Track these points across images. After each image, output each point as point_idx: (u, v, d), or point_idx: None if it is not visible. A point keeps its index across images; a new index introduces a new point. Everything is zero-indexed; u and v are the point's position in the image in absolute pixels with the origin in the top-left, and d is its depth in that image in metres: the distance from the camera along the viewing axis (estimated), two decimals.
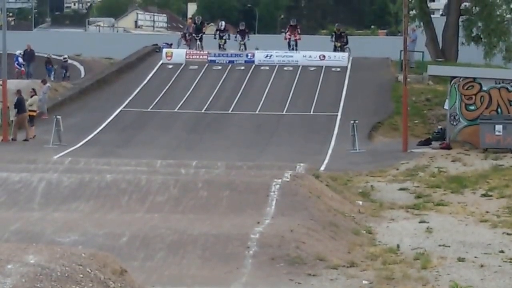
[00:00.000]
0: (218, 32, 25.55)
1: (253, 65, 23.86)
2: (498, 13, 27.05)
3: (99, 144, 17.72)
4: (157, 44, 26.62)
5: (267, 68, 23.87)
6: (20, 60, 25.50)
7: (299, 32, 25.65)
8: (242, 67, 23.78)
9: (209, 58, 23.78)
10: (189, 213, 9.10)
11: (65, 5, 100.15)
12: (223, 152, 16.44)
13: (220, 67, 23.54)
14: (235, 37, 25.59)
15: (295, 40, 24.82)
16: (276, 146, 17.02)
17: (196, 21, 26.92)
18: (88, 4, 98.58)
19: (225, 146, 17.39)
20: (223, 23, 26.28)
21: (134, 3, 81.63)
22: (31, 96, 18.71)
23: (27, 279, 4.14)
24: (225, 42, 25.05)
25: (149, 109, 20.67)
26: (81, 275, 4.43)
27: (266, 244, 8.13)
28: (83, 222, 8.82)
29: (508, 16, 27.08)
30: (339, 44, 24.19)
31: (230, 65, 23.67)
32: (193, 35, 25.57)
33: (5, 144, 17.97)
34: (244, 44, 25.06)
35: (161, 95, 21.53)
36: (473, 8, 27.15)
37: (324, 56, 23.75)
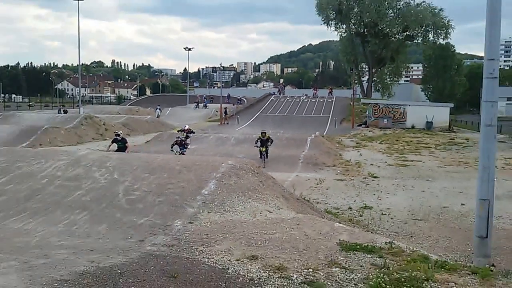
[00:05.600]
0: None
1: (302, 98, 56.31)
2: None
3: (251, 126, 39.40)
4: (269, 93, 65.94)
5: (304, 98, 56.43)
6: (203, 99, 63.42)
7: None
8: (298, 99, 55.27)
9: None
10: (279, 148, 22.83)
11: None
12: (293, 129, 35.82)
13: (290, 99, 55.12)
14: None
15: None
16: (305, 128, 36.05)
17: (281, 84, 70.90)
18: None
19: (293, 127, 37.89)
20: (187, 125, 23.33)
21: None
22: (225, 109, 46.18)
23: (229, 169, 8.90)
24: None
25: (267, 114, 49.14)
26: (243, 171, 9.47)
27: (306, 158, 21.63)
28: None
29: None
30: (264, 149, 20.37)
31: (291, 99, 55.97)
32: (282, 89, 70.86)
33: (222, 125, 42.97)
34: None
35: (271, 109, 51.38)
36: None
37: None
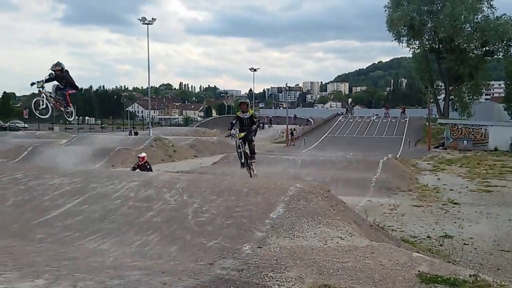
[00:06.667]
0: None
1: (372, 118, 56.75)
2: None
3: (318, 147, 40.39)
4: (337, 113, 65.52)
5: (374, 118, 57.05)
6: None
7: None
8: (368, 120, 54.75)
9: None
10: (349, 171, 22.53)
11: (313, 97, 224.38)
12: (363, 151, 35.83)
13: (359, 119, 51.78)
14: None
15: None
16: (376, 150, 35.50)
17: (349, 104, 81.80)
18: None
19: (363, 148, 38.55)
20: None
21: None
22: (291, 130, 47.17)
23: (297, 192, 8.39)
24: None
25: (335, 135, 48.76)
26: (312, 194, 8.31)
27: (378, 181, 20.84)
28: (304, 175, 22.76)
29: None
30: (242, 135, 12.24)
31: (361, 119, 55.57)
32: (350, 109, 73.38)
33: (288, 147, 43.67)
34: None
35: (339, 129, 50.96)
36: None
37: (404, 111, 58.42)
